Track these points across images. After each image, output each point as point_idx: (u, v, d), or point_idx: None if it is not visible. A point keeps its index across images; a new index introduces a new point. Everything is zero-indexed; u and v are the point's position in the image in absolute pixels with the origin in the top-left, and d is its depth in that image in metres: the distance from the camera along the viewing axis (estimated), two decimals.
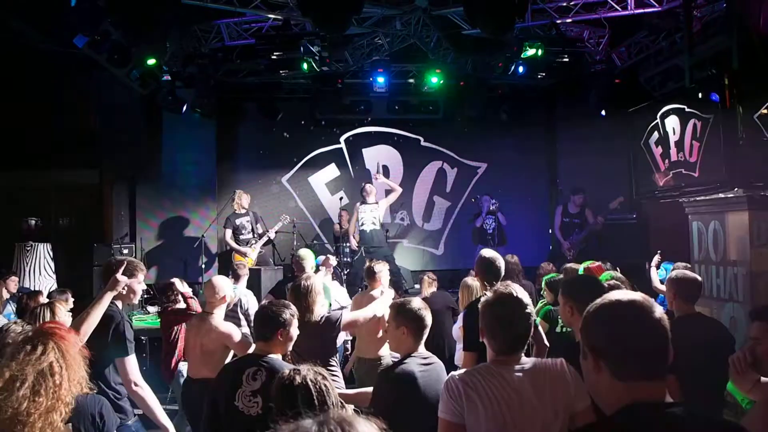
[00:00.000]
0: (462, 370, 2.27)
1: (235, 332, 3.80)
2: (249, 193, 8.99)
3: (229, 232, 8.52)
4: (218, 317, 3.88)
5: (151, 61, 7.46)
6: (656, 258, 6.02)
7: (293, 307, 3.01)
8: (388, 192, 9.23)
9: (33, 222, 7.97)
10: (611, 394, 1.43)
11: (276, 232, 8.74)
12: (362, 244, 8.57)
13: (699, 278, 3.51)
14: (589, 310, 1.52)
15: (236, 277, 5.90)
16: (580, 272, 4.31)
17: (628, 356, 1.40)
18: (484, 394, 2.08)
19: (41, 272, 7.84)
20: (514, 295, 2.24)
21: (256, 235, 8.57)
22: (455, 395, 2.10)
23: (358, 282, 8.08)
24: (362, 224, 8.52)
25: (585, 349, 1.49)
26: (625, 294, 1.51)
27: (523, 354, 2.24)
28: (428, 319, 2.87)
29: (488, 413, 2.06)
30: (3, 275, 6.53)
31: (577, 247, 8.63)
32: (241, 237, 8.52)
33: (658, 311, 1.45)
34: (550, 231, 9.60)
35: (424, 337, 2.87)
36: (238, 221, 8.56)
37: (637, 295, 1.50)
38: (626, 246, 8.74)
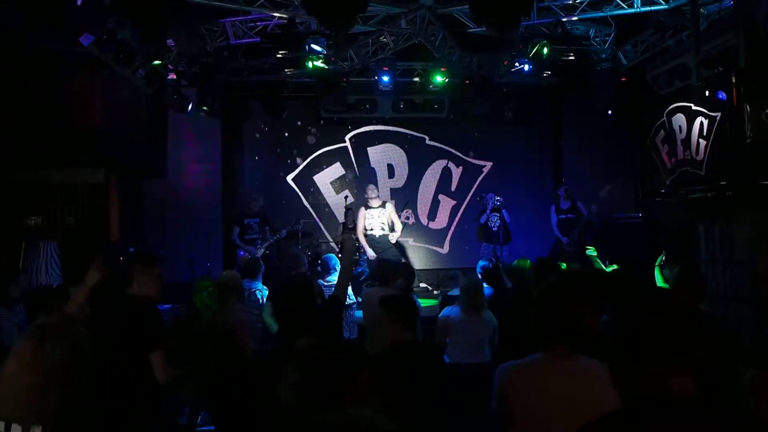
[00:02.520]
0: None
1: None
2: (257, 192, 9.09)
3: (236, 230, 8.60)
4: None
5: (157, 62, 7.52)
6: (661, 257, 5.97)
7: None
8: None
9: (37, 220, 8.03)
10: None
11: (286, 232, 8.75)
12: (370, 248, 8.52)
13: None
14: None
15: (252, 273, 5.93)
16: None
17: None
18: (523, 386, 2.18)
19: (48, 270, 7.88)
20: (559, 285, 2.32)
21: (262, 237, 8.61)
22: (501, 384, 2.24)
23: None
24: (371, 229, 8.48)
25: None
26: None
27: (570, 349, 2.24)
28: None
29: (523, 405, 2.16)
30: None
31: (575, 241, 8.62)
32: (247, 237, 8.58)
33: None
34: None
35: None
36: (246, 221, 8.63)
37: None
38: (632, 245, 8.72)
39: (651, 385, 1.39)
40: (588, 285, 2.45)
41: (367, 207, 8.54)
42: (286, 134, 10.27)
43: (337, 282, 3.94)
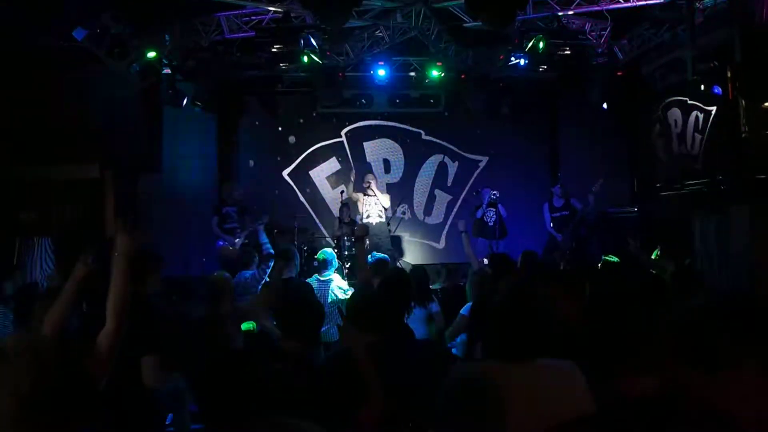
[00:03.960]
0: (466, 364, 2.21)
1: None
2: (249, 187, 9.06)
3: (215, 220, 8.67)
4: None
5: (152, 54, 7.44)
6: (657, 252, 5.99)
7: None
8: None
9: (31, 216, 8.01)
10: None
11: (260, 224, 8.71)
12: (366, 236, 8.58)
13: None
14: None
15: (245, 264, 5.97)
16: None
17: None
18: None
19: (42, 266, 7.86)
20: (522, 295, 2.14)
21: (242, 226, 8.64)
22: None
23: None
24: (367, 216, 8.59)
25: None
26: None
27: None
28: None
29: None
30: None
31: (570, 237, 8.64)
32: (226, 226, 8.63)
33: None
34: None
35: None
36: (224, 210, 8.70)
37: None
38: (627, 240, 8.73)
39: (609, 383, 1.38)
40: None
41: (365, 194, 8.72)
42: (282, 129, 10.24)
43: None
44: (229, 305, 4.17)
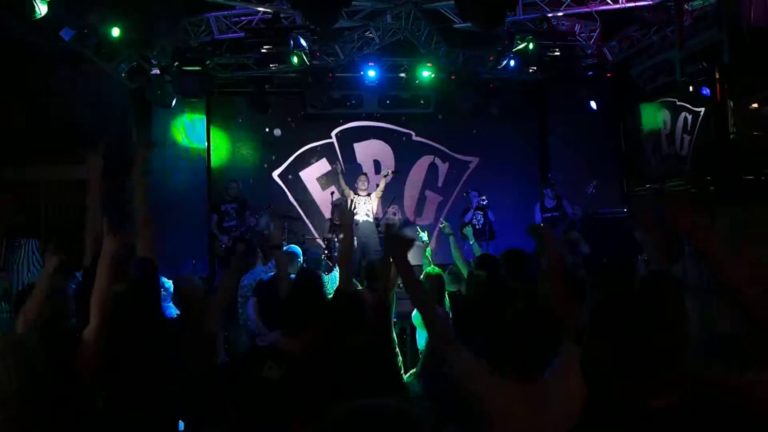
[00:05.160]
0: None
1: None
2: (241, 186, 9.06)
3: (214, 218, 8.71)
4: None
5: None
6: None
7: None
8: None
9: (19, 218, 7.95)
10: None
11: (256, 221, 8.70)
12: (354, 235, 8.57)
13: None
14: None
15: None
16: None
17: None
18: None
19: (30, 268, 7.77)
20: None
21: (240, 223, 8.63)
22: None
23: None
24: (355, 213, 8.61)
25: None
26: None
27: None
28: None
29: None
30: None
31: (559, 238, 8.65)
32: (224, 224, 8.64)
33: None
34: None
35: None
36: (223, 207, 8.72)
37: None
38: (618, 240, 8.75)
39: (634, 399, 1.35)
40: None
41: (356, 194, 8.78)
42: (269, 129, 10.19)
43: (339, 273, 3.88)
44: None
